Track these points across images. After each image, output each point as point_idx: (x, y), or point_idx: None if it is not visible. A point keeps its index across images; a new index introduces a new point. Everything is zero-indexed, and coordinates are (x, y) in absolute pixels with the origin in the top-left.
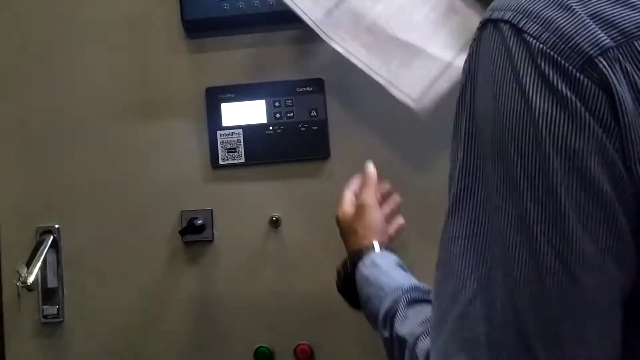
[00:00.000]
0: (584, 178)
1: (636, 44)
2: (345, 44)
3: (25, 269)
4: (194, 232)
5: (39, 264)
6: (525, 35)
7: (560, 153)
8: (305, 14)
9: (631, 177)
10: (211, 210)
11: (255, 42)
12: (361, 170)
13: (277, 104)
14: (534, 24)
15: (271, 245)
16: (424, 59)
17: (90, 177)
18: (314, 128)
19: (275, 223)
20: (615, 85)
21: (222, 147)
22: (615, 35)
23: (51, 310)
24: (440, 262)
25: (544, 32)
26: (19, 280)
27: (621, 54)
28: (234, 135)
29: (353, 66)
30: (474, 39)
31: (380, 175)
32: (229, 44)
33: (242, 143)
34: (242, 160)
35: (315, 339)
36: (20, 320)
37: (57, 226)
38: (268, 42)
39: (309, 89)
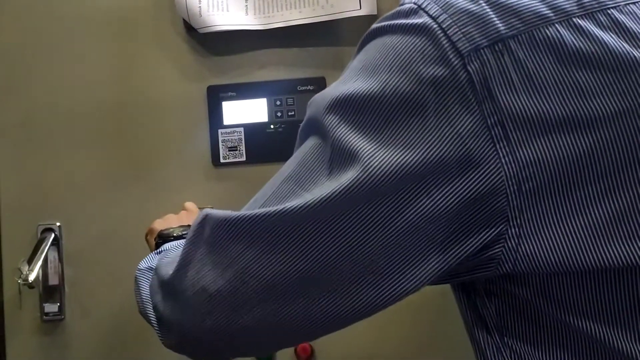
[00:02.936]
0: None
1: (535, 32)
2: (274, 19)
3: (27, 267)
4: None
5: (40, 262)
6: (423, 14)
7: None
8: (234, 26)
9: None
10: (212, 208)
11: (257, 41)
12: None
13: (278, 102)
14: (435, 5)
15: None
16: None
17: (92, 175)
18: None
19: None
20: (493, 80)
21: (223, 145)
22: (516, 23)
23: (52, 308)
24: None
25: (442, 14)
26: (20, 277)
27: (517, 42)
28: (235, 134)
29: None
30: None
31: None
32: (231, 42)
33: (243, 141)
34: (244, 158)
35: None
36: (21, 318)
37: (58, 224)
38: (269, 41)
39: (311, 88)
